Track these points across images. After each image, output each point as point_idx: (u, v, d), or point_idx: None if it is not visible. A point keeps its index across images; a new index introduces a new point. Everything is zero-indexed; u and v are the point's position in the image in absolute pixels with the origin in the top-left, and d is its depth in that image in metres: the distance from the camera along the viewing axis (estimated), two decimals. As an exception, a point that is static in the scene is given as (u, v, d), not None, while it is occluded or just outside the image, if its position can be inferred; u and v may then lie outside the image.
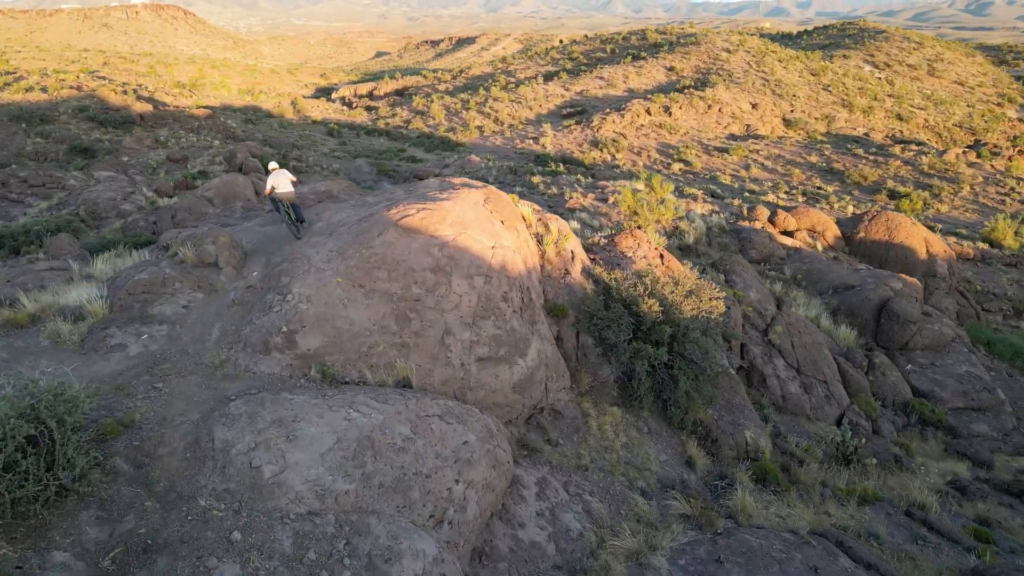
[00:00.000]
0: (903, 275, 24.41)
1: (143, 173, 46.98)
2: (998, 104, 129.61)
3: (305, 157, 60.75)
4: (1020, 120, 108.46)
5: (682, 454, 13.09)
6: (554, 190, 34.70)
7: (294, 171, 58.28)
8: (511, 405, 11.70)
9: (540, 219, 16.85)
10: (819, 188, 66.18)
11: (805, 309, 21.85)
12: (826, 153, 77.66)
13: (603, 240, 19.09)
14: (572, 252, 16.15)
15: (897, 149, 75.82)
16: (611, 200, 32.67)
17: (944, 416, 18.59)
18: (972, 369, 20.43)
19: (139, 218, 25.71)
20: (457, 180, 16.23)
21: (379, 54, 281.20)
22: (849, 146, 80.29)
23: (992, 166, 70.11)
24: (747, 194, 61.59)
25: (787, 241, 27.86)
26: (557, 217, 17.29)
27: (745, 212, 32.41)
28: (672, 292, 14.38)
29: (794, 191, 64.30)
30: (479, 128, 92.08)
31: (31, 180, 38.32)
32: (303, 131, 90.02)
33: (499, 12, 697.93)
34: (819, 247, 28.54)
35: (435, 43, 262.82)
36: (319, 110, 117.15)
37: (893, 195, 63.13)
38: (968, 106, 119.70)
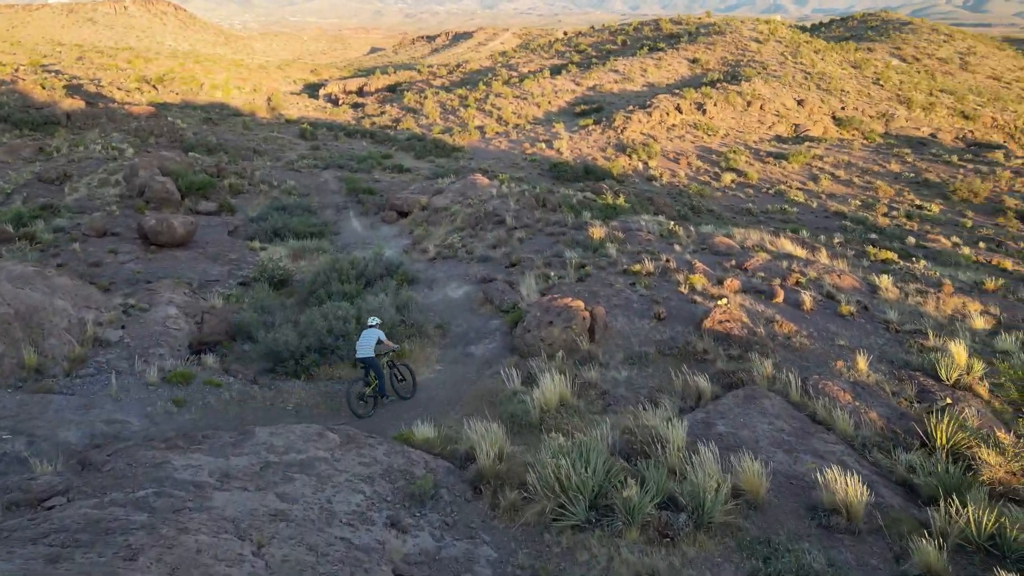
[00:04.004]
0: None
1: (-28, 205, 29.17)
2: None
3: (250, 171, 42.79)
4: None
5: None
6: (647, 265, 16.98)
7: (231, 190, 40.56)
8: None
9: None
10: (920, 207, 48.51)
11: None
12: (908, 160, 59.96)
13: None
14: None
15: (1000, 155, 58.28)
16: (778, 292, 15.02)
17: None
18: None
19: None
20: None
21: (374, 50, 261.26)
22: (935, 151, 62.71)
23: None
24: (830, 216, 43.89)
25: None
26: None
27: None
28: None
29: (895, 212, 46.69)
30: (480, 128, 73.95)
31: None
32: (271, 132, 71.76)
33: (496, 8, 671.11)
34: None
35: (431, 39, 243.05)
36: (298, 108, 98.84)
37: (1025, 218, 45.65)
38: (1018, 102, 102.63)
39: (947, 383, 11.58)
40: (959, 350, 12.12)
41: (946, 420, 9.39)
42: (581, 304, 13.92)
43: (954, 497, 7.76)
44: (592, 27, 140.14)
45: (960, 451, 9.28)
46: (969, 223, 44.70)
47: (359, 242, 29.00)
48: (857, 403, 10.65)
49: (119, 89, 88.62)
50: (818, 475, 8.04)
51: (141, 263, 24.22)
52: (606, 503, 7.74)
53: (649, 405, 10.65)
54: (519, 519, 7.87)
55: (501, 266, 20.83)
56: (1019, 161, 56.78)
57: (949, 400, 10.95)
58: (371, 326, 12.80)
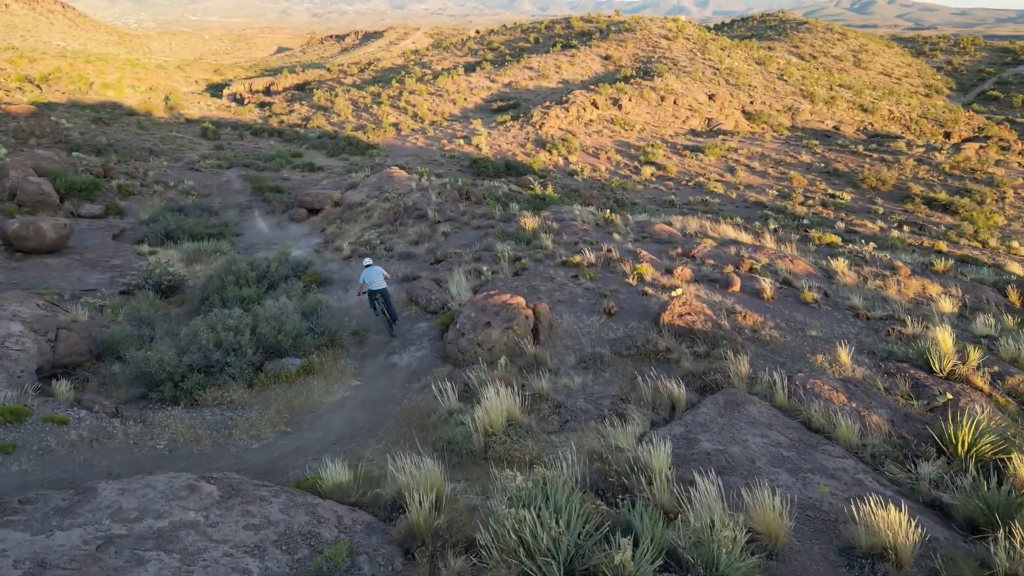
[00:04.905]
0: None
1: None
2: (927, 95, 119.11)
3: (142, 171, 38.64)
4: (975, 111, 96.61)
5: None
6: (589, 255, 15.11)
7: (121, 192, 36.56)
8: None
9: None
10: (833, 196, 49.15)
11: None
12: (818, 151, 61.06)
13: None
14: None
15: (902, 145, 60.08)
16: (734, 280, 13.43)
17: None
18: None
19: None
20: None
21: (281, 50, 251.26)
22: (841, 142, 64.21)
23: (1020, 164, 55.23)
24: (751, 206, 43.69)
25: None
26: None
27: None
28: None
29: (810, 201, 47.05)
30: (395, 126, 70.93)
31: None
32: (169, 132, 66.50)
33: (405, 9, 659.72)
34: None
35: (340, 38, 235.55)
36: (200, 107, 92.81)
37: (931, 204, 46.81)
38: (909, 96, 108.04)
39: (940, 375, 10.17)
40: (944, 337, 10.75)
41: (966, 423, 7.82)
42: (522, 301, 11.85)
43: (1015, 523, 6.11)
44: (504, 26, 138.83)
45: (984, 459, 7.74)
46: (880, 209, 45.47)
47: (264, 242, 26.03)
48: (854, 404, 9.02)
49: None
50: (850, 507, 6.24)
51: (3, 272, 20.67)
52: (585, 566, 5.68)
53: (616, 419, 8.69)
54: (469, 596, 5.71)
55: (425, 263, 18.55)
56: (920, 150, 58.67)
57: (949, 395, 9.49)
58: (368, 265, 14.31)
